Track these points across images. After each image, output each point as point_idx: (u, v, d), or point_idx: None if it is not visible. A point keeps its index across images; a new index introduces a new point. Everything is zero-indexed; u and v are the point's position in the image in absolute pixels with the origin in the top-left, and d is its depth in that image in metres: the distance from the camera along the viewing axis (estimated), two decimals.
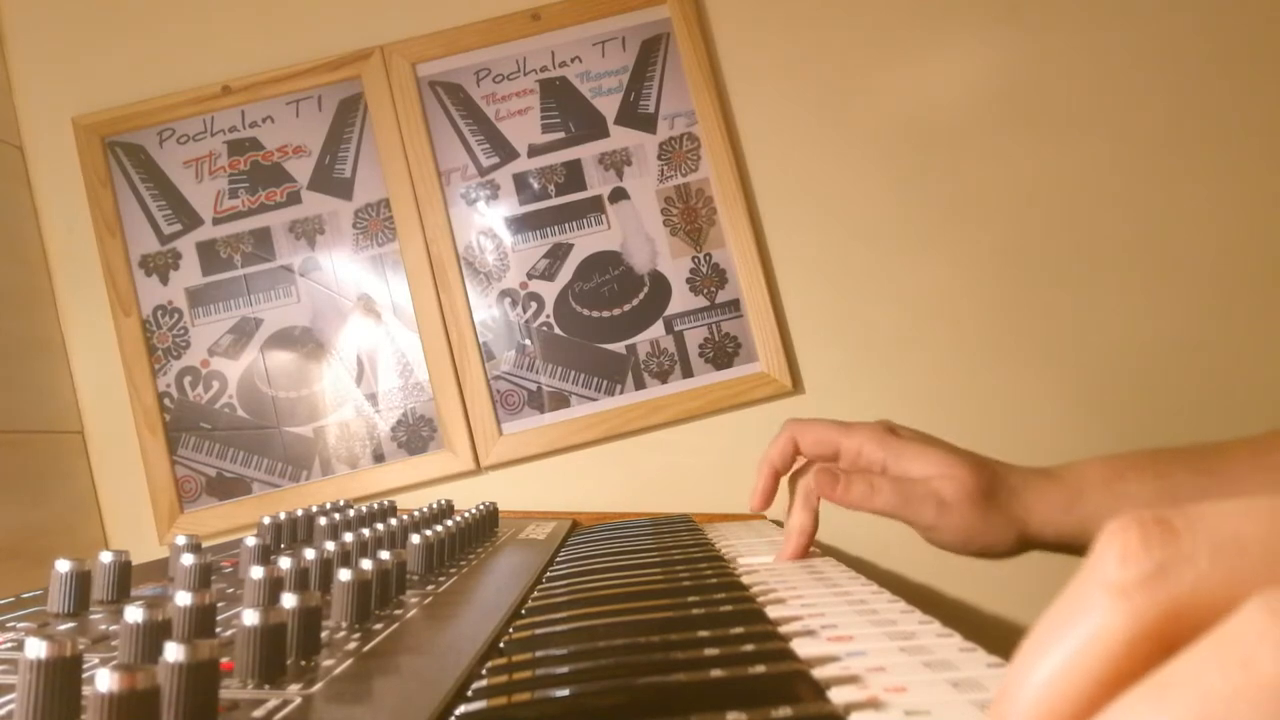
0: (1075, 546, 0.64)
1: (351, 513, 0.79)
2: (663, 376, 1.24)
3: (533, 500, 1.21)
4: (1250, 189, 1.27)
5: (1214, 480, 0.62)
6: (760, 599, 0.52)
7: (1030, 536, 0.64)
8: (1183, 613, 0.17)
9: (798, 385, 1.24)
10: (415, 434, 1.25)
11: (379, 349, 1.27)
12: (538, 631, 0.48)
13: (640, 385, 1.24)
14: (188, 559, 0.53)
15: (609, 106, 1.29)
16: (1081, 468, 0.65)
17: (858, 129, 1.29)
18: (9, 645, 0.44)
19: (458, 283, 1.26)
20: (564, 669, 0.39)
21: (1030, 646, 0.18)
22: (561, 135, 1.29)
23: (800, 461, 0.71)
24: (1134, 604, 0.17)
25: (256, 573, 0.45)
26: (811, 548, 0.70)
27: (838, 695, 0.34)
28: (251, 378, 1.26)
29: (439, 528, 0.67)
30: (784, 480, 0.71)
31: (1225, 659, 0.15)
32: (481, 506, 0.89)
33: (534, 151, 1.29)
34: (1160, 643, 0.17)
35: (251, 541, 0.60)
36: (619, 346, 1.25)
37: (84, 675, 0.30)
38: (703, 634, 0.42)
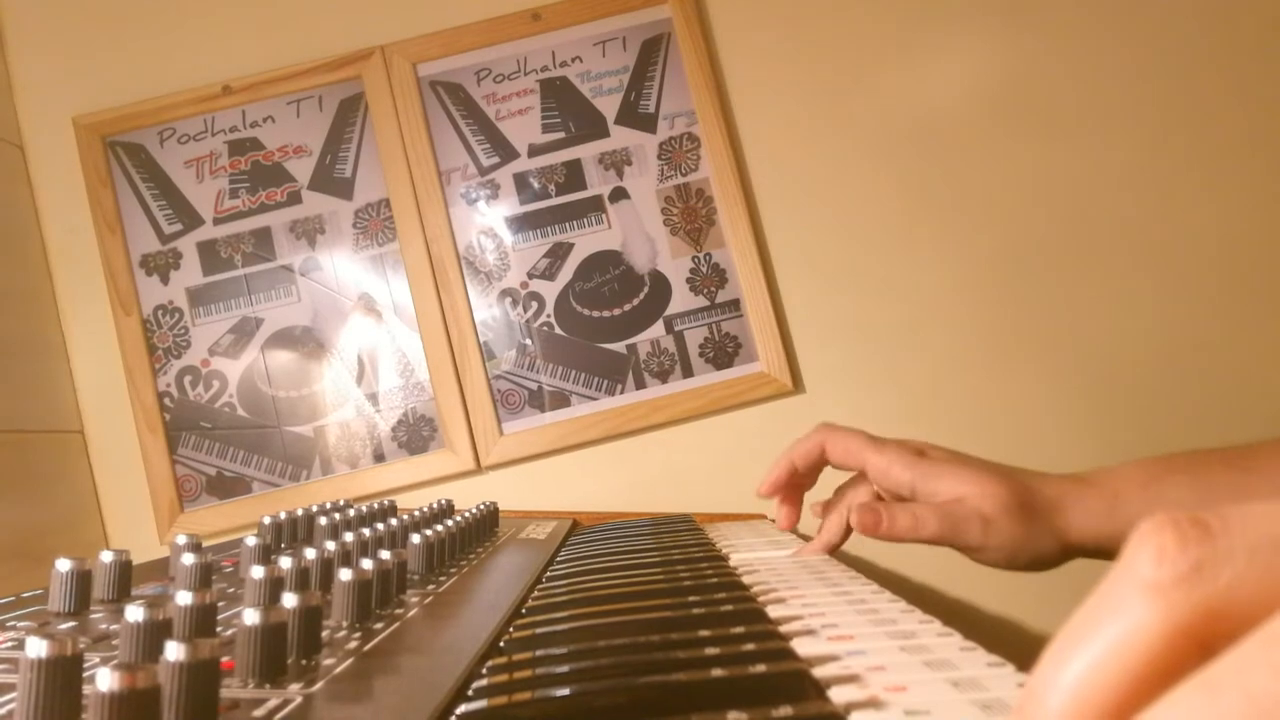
0: (1116, 552, 0.63)
1: (352, 512, 0.79)
2: (663, 376, 1.24)
3: (533, 500, 1.21)
4: (1251, 188, 1.27)
5: (1251, 478, 0.61)
6: (761, 598, 0.52)
7: (1072, 545, 0.63)
8: (1218, 612, 0.16)
9: (798, 385, 1.24)
10: (416, 433, 1.25)
11: (379, 349, 1.27)
12: (538, 631, 0.48)
13: (640, 385, 1.24)
14: (188, 558, 0.53)
15: (609, 106, 1.29)
16: (1117, 471, 0.64)
17: (858, 128, 1.29)
18: (10, 645, 0.44)
19: (458, 282, 1.26)
20: (564, 668, 0.39)
21: (1060, 646, 0.18)
22: (562, 135, 1.29)
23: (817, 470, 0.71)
24: (1169, 602, 0.17)
25: (257, 572, 0.45)
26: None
27: (838, 694, 0.34)
28: (252, 377, 1.26)
29: (439, 527, 0.67)
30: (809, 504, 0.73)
31: (1274, 659, 0.15)
32: (482, 506, 0.89)
33: (534, 151, 1.29)
34: (1196, 643, 0.16)
35: (252, 541, 0.60)
36: (619, 346, 1.25)
37: (85, 674, 0.30)
38: (703, 633, 0.42)
